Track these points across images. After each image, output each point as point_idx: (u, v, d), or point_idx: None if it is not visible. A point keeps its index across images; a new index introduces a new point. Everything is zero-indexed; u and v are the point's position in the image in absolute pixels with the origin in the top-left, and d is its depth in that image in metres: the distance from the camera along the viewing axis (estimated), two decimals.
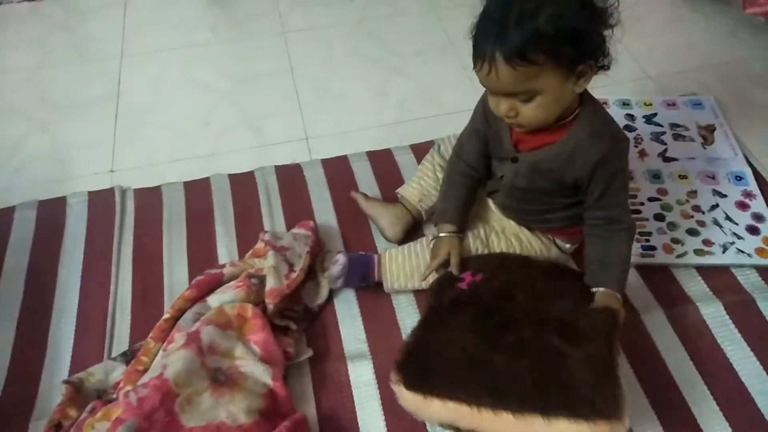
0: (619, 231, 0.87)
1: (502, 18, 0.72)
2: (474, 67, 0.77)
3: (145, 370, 0.88)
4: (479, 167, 0.96)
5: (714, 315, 0.96)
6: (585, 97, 0.84)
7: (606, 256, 0.87)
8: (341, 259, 0.98)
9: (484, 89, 0.82)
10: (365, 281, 1.00)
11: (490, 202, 1.00)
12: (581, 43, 0.74)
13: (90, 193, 1.19)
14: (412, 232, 1.08)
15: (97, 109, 1.40)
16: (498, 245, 0.97)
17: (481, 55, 0.74)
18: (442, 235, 0.95)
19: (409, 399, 0.78)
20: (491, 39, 0.72)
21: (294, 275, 0.98)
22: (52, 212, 1.17)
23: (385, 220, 1.07)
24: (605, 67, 0.79)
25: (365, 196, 1.12)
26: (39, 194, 1.20)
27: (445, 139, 1.12)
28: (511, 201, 0.95)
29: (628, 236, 0.88)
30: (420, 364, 0.80)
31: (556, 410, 0.72)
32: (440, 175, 1.05)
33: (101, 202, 1.18)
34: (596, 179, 0.83)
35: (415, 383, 0.78)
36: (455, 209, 0.96)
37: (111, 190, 1.19)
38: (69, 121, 1.37)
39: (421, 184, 1.08)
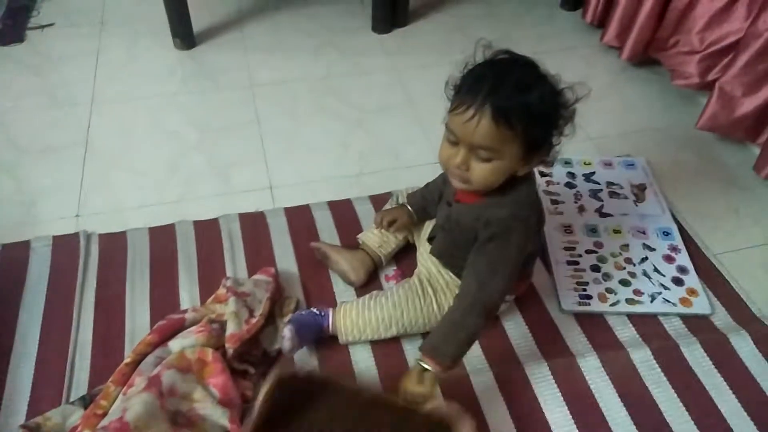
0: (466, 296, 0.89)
1: (500, 80, 0.78)
2: (453, 110, 0.80)
3: (104, 414, 0.90)
4: (434, 197, 1.07)
5: (643, 359, 1.04)
6: (529, 179, 0.90)
7: (453, 317, 0.89)
8: (288, 334, 0.98)
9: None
10: (320, 337, 1.03)
11: (429, 257, 1.06)
12: (547, 131, 0.83)
13: (54, 237, 1.21)
14: (373, 275, 1.15)
15: (65, 153, 1.43)
16: (445, 300, 1.02)
17: (469, 101, 0.77)
18: (402, 203, 1.15)
19: None
20: (486, 90, 0.77)
21: (254, 320, 1.02)
22: (15, 256, 1.18)
23: (348, 264, 1.12)
24: (548, 163, 0.87)
25: (328, 244, 1.18)
26: (2, 237, 1.21)
27: (402, 191, 1.20)
28: (441, 247, 1.03)
29: (474, 310, 0.87)
30: None
31: None
32: None
33: (65, 247, 1.20)
34: (480, 234, 0.89)
35: None
36: (414, 198, 1.14)
37: (76, 235, 1.22)
38: (36, 165, 1.40)
39: (381, 231, 1.15)
